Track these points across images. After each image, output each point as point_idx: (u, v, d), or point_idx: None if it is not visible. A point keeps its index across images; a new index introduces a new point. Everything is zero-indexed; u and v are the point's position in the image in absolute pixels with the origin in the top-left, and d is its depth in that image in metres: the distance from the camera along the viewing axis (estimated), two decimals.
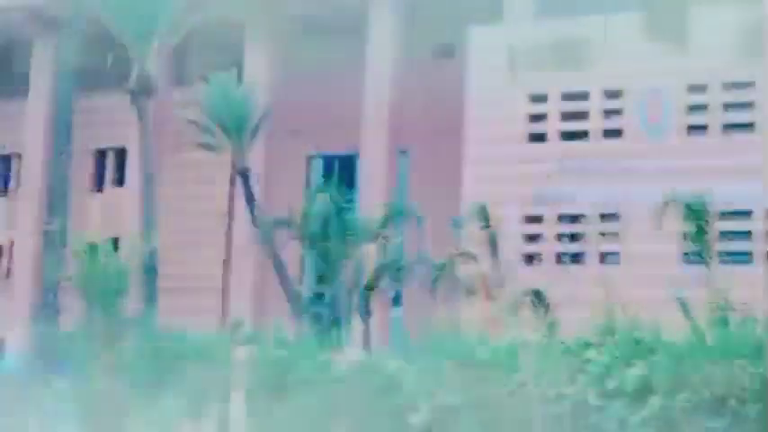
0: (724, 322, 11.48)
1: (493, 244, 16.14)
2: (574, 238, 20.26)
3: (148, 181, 20.65)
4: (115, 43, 21.12)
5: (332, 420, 13.60)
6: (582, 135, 20.23)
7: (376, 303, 18.11)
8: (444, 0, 21.53)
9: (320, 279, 22.42)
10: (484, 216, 16.37)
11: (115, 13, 20.52)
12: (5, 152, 27.56)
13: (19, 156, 27.03)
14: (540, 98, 20.46)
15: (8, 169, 27.74)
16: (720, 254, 16.43)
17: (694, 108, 19.26)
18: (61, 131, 21.00)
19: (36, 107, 26.25)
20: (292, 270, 20.83)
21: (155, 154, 21.40)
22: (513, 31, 20.51)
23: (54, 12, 23.85)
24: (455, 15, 20.99)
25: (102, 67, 23.94)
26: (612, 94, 20.06)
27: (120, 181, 26.04)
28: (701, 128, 19.20)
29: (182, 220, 24.16)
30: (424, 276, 16.65)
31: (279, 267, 19.69)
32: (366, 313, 17.32)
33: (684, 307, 11.73)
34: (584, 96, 20.18)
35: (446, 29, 21.42)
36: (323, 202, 17.79)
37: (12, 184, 27.57)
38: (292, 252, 20.54)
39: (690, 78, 19.08)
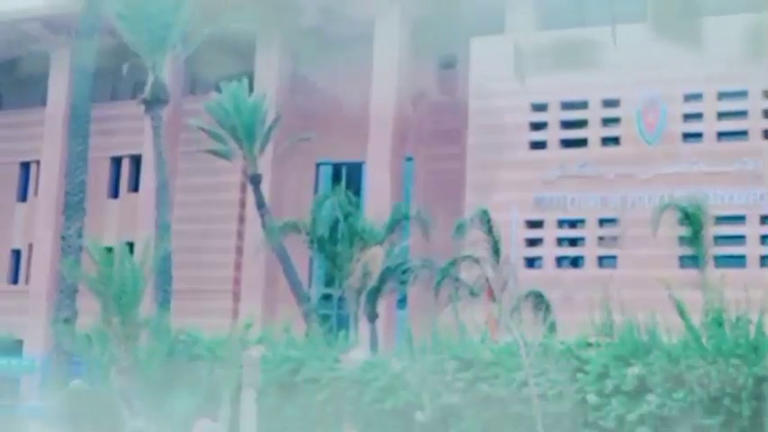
0: (719, 323, 11.68)
1: (495, 247, 16.40)
2: (573, 241, 20.57)
3: (162, 187, 20.99)
4: (130, 53, 21.50)
5: (340, 418, 13.98)
6: (581, 142, 20.66)
7: (382, 305, 18.44)
8: (448, 12, 21.80)
9: (328, 281, 22.71)
10: (486, 220, 16.64)
11: (130, 23, 20.88)
12: (24, 159, 28.13)
13: (37, 163, 27.64)
14: (541, 107, 20.86)
15: (27, 176, 28.33)
16: (715, 257, 16.76)
17: (690, 116, 19.68)
18: (78, 139, 21.32)
19: (53, 116, 26.71)
20: (301, 273, 21.18)
21: (168, 161, 21.79)
22: (514, 40, 20.91)
23: (70, 22, 24.21)
24: (458, 27, 21.27)
25: (118, 77, 24.26)
26: (611, 103, 20.45)
27: (134, 187, 26.39)
28: (697, 135, 19.62)
29: (194, 224, 24.53)
30: (428, 279, 16.95)
31: (288, 270, 20.03)
32: (372, 314, 17.59)
33: (681, 308, 11.94)
34: (583, 105, 20.60)
35: (450, 40, 21.66)
36: (331, 207, 18.06)
37: (30, 190, 28.16)
38: (301, 255, 20.89)
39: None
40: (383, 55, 22.97)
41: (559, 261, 20.12)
